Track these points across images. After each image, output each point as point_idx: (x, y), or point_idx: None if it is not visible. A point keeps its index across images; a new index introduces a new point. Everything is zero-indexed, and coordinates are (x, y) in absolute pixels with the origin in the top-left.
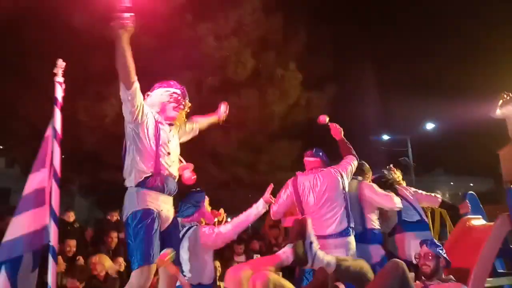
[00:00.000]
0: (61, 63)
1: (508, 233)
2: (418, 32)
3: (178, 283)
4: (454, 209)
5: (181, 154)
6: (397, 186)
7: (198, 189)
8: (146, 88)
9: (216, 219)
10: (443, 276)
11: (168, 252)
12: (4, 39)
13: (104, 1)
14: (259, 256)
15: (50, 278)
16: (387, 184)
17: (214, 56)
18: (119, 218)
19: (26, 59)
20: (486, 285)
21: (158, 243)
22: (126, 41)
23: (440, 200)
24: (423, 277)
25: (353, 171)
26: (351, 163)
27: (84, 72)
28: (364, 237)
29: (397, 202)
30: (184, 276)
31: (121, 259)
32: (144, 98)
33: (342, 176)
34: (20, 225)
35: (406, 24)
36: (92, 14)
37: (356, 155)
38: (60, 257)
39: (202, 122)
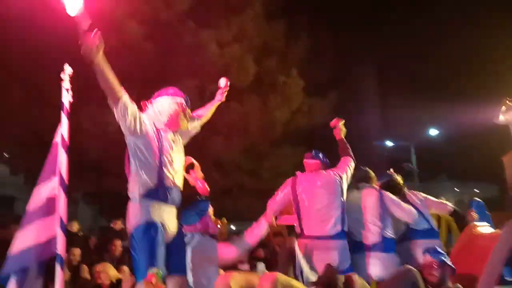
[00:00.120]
0: (68, 69)
1: None
2: (422, 38)
3: None
4: (463, 220)
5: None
6: (405, 191)
7: (203, 197)
8: (147, 96)
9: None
10: (450, 285)
11: (154, 272)
12: (8, 47)
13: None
14: (263, 264)
15: (58, 287)
16: (396, 189)
17: (216, 62)
18: (123, 226)
19: (30, 67)
20: None
21: (163, 255)
22: (101, 60)
23: (450, 208)
24: (430, 287)
25: (352, 173)
26: (349, 164)
27: (87, 80)
28: (384, 245)
29: (414, 215)
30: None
31: (125, 268)
32: (144, 108)
33: (341, 179)
34: (30, 235)
35: (409, 30)
36: (95, 21)
37: (353, 156)
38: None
39: (206, 114)
